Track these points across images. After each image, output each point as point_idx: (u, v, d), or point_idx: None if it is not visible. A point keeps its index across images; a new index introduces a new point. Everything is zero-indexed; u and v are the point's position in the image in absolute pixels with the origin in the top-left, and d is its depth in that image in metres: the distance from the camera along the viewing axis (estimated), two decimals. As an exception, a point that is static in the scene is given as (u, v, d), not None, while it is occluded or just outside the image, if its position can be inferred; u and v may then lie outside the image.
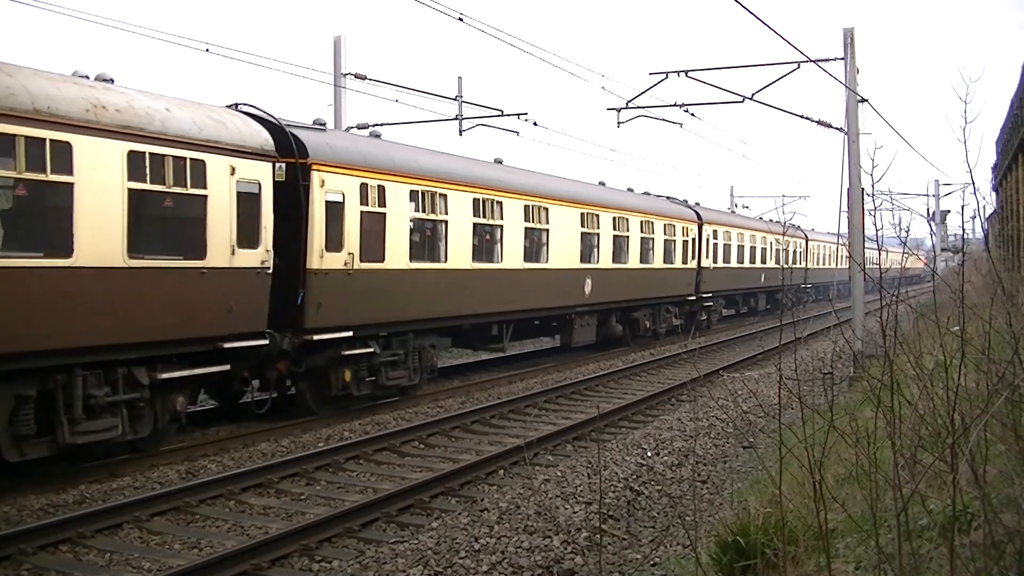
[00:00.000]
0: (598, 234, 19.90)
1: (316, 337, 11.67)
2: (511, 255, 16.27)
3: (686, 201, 27.77)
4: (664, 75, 18.91)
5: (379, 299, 12.84)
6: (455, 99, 21.04)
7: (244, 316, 10.64)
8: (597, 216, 19.84)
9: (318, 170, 11.65)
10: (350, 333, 12.20)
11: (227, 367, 10.52)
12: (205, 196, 10.01)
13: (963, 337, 4.05)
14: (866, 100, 17.09)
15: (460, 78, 21.17)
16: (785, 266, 31.63)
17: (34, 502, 8.33)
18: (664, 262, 23.70)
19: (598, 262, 19.87)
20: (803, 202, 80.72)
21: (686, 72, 18.35)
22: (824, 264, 43.47)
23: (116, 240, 8.98)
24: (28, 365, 8.38)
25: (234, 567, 6.52)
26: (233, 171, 10.37)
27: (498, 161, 17.43)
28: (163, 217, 10.01)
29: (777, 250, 32.67)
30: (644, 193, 25.25)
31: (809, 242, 40.01)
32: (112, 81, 9.78)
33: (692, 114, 20.02)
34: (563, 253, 18.26)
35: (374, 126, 21.01)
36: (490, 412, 13.15)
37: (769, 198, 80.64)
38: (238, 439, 11.11)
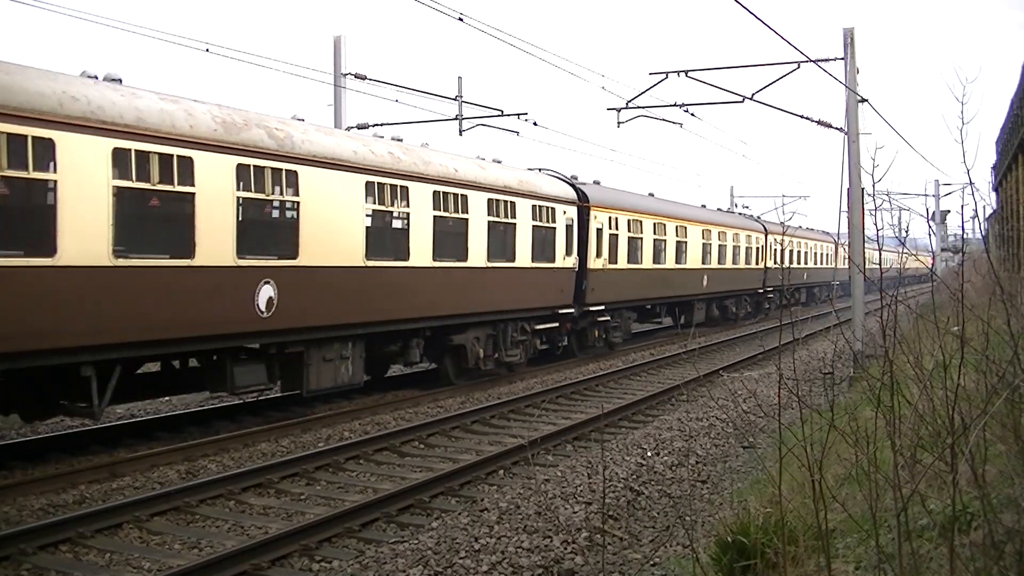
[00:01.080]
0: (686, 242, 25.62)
1: (590, 308, 19.64)
2: (671, 259, 24.37)
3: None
4: (664, 75, 18.92)
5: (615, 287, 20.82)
6: (455, 99, 21.04)
7: (566, 294, 18.52)
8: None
9: (593, 209, 19.71)
10: (603, 307, 20.24)
11: (556, 324, 18.28)
12: (555, 228, 17.96)
13: (963, 337, 4.05)
14: (866, 100, 17.11)
15: (460, 78, 21.18)
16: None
17: (34, 502, 8.33)
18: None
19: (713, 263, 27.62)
20: (803, 202, 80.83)
21: (686, 72, 18.36)
22: (811, 264, 40.14)
23: (514, 252, 16.66)
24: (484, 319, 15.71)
25: (234, 567, 6.52)
26: (565, 212, 18.48)
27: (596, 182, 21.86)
28: (541, 240, 17.47)
29: (726, 247, 28.49)
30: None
31: (770, 236, 32.83)
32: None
33: (692, 114, 20.03)
34: (693, 257, 26.00)
35: (374, 126, 21.04)
36: (490, 412, 13.16)
37: (769, 198, 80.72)
38: (238, 439, 11.11)
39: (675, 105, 19.58)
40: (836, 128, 17.83)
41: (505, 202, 16.19)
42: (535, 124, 21.74)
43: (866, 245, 18.09)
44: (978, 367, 4.61)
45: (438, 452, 11.01)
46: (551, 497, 8.00)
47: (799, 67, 17.09)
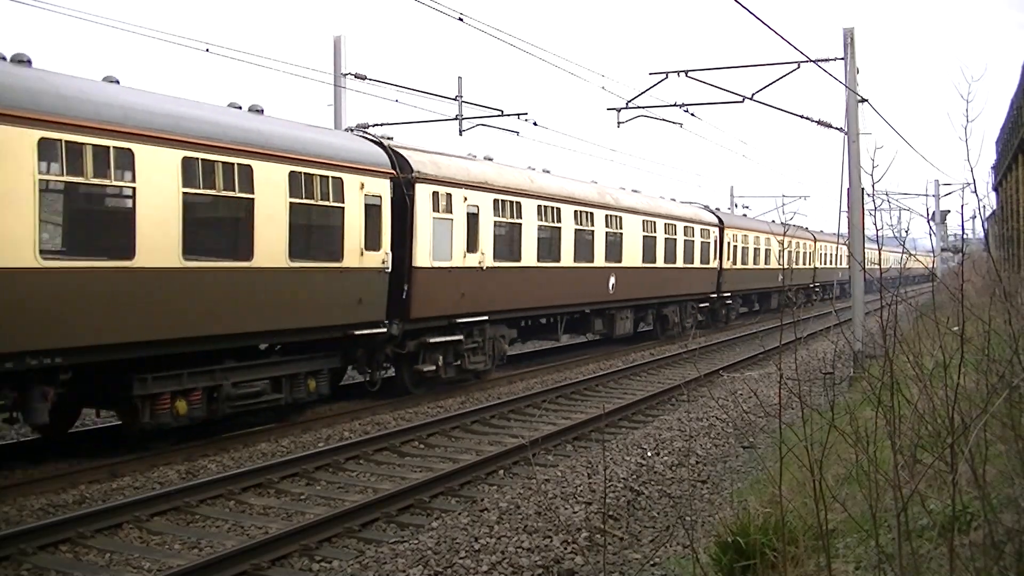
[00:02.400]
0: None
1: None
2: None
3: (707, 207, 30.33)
4: (664, 75, 18.90)
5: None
6: (455, 99, 21.03)
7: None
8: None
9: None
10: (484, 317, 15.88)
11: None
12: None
13: (963, 337, 4.05)
14: (866, 100, 17.09)
15: (460, 78, 21.16)
16: (789, 266, 33.23)
17: (34, 502, 8.33)
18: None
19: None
20: (803, 202, 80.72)
21: (686, 72, 18.35)
22: (830, 264, 44.10)
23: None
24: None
25: (234, 567, 6.51)
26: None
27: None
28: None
29: (789, 252, 34.10)
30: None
31: (817, 243, 41.56)
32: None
33: (692, 114, 20.01)
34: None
35: (374, 126, 21.02)
36: (490, 412, 13.15)
37: (769, 198, 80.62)
38: (238, 439, 11.11)
39: (675, 105, 19.56)
40: (836, 128, 17.82)
41: (650, 222, 23.03)
42: (535, 124, 21.72)
43: (864, 245, 18.07)
44: (978, 367, 4.61)
45: (438, 452, 11.01)
46: (551, 497, 8.00)
47: (799, 67, 17.08)
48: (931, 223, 35.14)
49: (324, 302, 12.09)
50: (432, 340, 14.24)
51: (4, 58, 8.90)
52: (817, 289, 39.87)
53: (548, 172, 19.41)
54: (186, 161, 9.89)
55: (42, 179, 8.47)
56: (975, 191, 4.58)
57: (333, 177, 12.08)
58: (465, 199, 14.95)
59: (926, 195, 46.12)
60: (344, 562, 6.82)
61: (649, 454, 10.08)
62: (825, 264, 42.42)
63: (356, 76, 19.91)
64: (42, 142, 8.40)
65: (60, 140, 8.59)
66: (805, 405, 4.61)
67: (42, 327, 8.50)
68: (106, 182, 9.21)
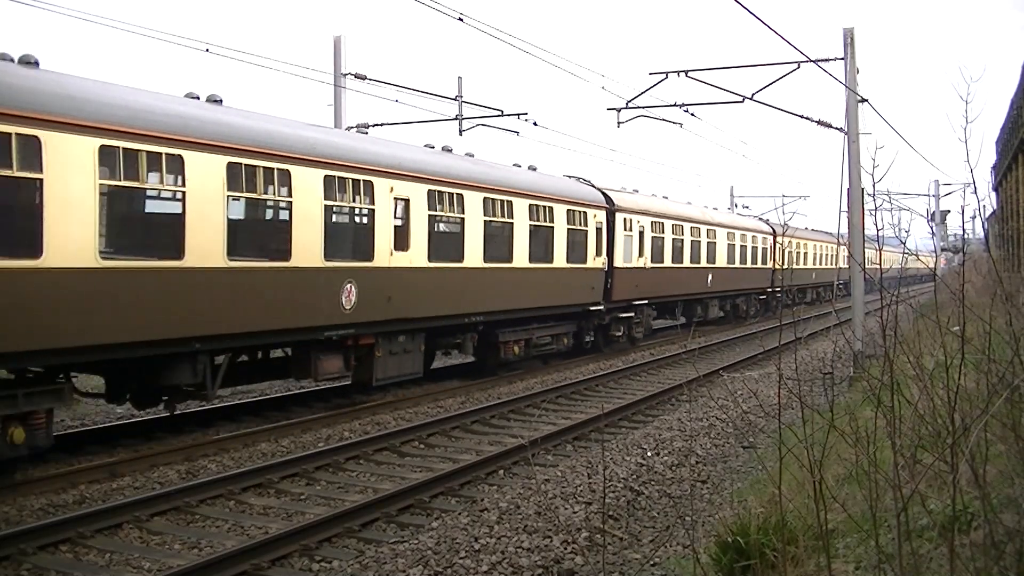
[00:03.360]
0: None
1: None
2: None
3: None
4: (664, 75, 18.91)
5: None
6: (455, 99, 21.04)
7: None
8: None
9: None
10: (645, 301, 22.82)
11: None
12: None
13: (963, 337, 4.05)
14: (866, 100, 17.09)
15: (460, 78, 21.17)
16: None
17: (34, 502, 8.33)
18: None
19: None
20: (803, 202, 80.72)
21: (686, 72, 18.35)
22: (812, 264, 41.53)
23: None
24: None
25: (234, 567, 6.51)
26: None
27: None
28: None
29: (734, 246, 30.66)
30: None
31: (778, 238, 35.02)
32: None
33: (692, 114, 20.01)
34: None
35: (374, 126, 21.04)
36: (490, 412, 13.15)
37: (769, 198, 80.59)
38: (238, 439, 11.11)
39: (675, 105, 19.56)
40: (836, 128, 17.83)
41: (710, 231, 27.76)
42: (535, 124, 21.74)
43: (866, 245, 18.07)
44: (978, 367, 4.61)
45: (438, 452, 11.01)
46: (551, 497, 8.00)
47: (799, 67, 17.08)
48: (931, 223, 35.12)
49: (578, 288, 19.31)
50: (620, 315, 21.47)
51: (12, 59, 9.02)
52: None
53: (689, 203, 27.98)
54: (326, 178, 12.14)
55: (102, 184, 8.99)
56: (975, 191, 4.58)
57: (585, 212, 19.50)
58: (638, 221, 22.23)
59: (926, 195, 46.13)
60: (344, 562, 6.82)
61: (649, 454, 10.08)
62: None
63: (356, 76, 19.91)
64: (102, 149, 8.94)
65: (118, 148, 9.07)
66: (805, 405, 4.61)
67: (648, 292, 19.99)
68: (661, 235, 22.82)
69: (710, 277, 27.36)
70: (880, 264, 5.04)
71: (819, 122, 18.45)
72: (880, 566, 3.90)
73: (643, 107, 20.09)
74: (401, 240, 13.49)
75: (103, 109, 9.06)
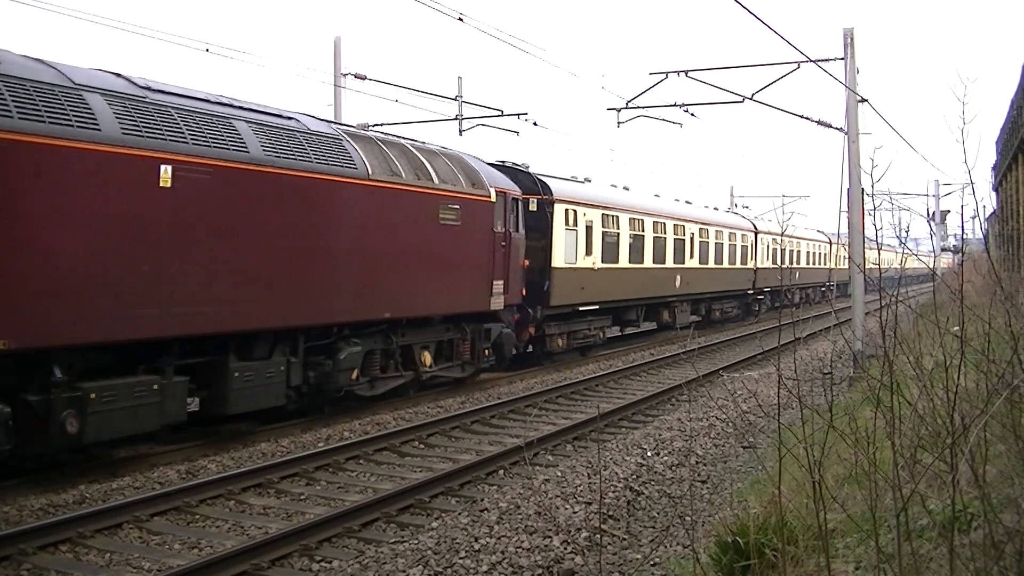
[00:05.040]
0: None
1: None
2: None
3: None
4: (664, 75, 18.91)
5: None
6: (455, 99, 21.06)
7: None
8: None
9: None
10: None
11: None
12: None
13: (963, 337, 4.05)
14: (866, 100, 17.10)
15: (460, 78, 21.21)
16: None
17: (34, 502, 8.32)
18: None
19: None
20: (803, 202, 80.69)
21: (686, 72, 18.35)
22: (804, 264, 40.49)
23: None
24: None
25: (234, 567, 6.51)
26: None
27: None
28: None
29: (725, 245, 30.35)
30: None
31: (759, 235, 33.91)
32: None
33: (692, 114, 20.02)
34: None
35: (374, 126, 21.03)
36: (490, 412, 13.15)
37: (769, 198, 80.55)
38: (238, 439, 11.11)
39: (675, 105, 19.57)
40: (836, 128, 17.83)
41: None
42: (535, 124, 21.75)
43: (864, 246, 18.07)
44: (978, 367, 4.61)
45: (438, 452, 11.01)
46: (551, 497, 8.00)
47: (799, 67, 17.09)
48: (931, 223, 35.14)
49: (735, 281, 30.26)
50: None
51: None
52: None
53: (658, 196, 27.40)
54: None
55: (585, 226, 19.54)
56: (974, 192, 4.58)
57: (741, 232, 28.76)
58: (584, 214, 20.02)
59: (926, 195, 46.12)
60: (344, 562, 6.82)
61: (649, 454, 10.08)
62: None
63: (356, 76, 19.93)
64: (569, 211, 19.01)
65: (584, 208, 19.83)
66: (805, 405, 4.62)
67: (597, 296, 20.43)
68: (615, 230, 21.20)
69: (678, 278, 24.84)
70: (880, 265, 5.04)
71: (819, 122, 18.46)
72: (880, 566, 3.89)
73: (643, 107, 20.11)
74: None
75: (586, 196, 20.24)
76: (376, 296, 12.41)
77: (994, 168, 23.71)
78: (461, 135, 21.50)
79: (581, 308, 19.49)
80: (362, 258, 12.07)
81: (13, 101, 7.83)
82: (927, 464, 4.18)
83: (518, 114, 21.34)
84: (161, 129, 9.15)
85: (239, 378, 10.36)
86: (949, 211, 47.72)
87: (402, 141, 14.02)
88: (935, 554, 4.04)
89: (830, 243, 42.70)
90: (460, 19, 13.69)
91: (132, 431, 9.22)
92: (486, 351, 15.74)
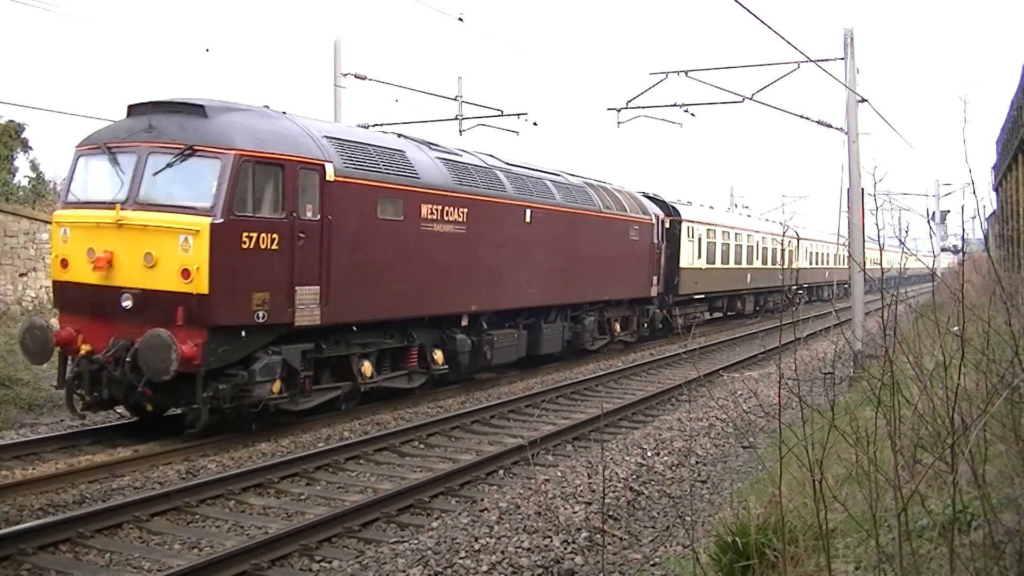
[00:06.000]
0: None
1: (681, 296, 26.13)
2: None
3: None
4: (664, 75, 18.91)
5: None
6: (455, 99, 21.07)
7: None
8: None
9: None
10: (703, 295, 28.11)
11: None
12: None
13: (963, 337, 4.05)
14: (866, 100, 17.09)
15: (460, 78, 21.21)
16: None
17: (34, 502, 8.32)
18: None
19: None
20: (803, 202, 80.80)
21: (686, 72, 18.36)
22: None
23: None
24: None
25: (234, 567, 6.51)
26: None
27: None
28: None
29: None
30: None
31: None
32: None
33: (692, 114, 20.01)
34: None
35: (374, 126, 21.03)
36: (490, 412, 13.15)
37: (769, 198, 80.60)
38: (238, 439, 11.10)
39: (675, 105, 19.57)
40: (836, 128, 17.83)
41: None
42: (535, 124, 21.77)
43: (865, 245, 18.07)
44: (978, 367, 4.61)
45: (438, 452, 11.00)
46: (551, 497, 8.00)
47: (799, 67, 17.09)
48: (931, 223, 35.15)
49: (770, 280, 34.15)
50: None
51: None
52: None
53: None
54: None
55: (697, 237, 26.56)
56: (975, 191, 4.58)
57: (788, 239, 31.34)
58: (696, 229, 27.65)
59: (926, 195, 46.14)
60: (344, 562, 6.82)
61: (649, 454, 10.08)
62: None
63: (356, 76, 19.93)
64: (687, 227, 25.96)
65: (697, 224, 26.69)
66: (805, 405, 4.62)
67: (703, 288, 26.80)
68: (714, 240, 27.50)
69: (749, 276, 32.04)
70: (881, 265, 5.04)
71: (819, 122, 18.45)
72: (880, 566, 3.89)
73: (643, 107, 20.11)
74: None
75: (699, 216, 27.24)
76: (598, 285, 19.32)
77: (994, 168, 23.71)
78: (461, 135, 21.50)
79: (694, 297, 26.41)
80: (594, 261, 18.86)
81: (470, 179, 14.83)
82: (927, 464, 4.19)
83: (518, 114, 21.34)
84: (528, 190, 16.56)
85: (547, 332, 17.52)
86: (949, 211, 47.76)
87: (607, 184, 20.97)
88: (935, 554, 4.04)
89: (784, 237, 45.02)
90: (460, 19, 13.68)
91: (508, 359, 16.29)
92: (644, 324, 22.80)
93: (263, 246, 10.42)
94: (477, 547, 6.77)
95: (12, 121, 17.49)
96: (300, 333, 11.22)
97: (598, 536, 6.95)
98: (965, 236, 5.52)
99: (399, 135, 15.24)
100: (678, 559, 6.34)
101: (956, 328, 4.28)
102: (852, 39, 16.59)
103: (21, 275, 15.68)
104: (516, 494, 8.20)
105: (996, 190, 22.94)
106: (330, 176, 11.32)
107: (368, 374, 12.75)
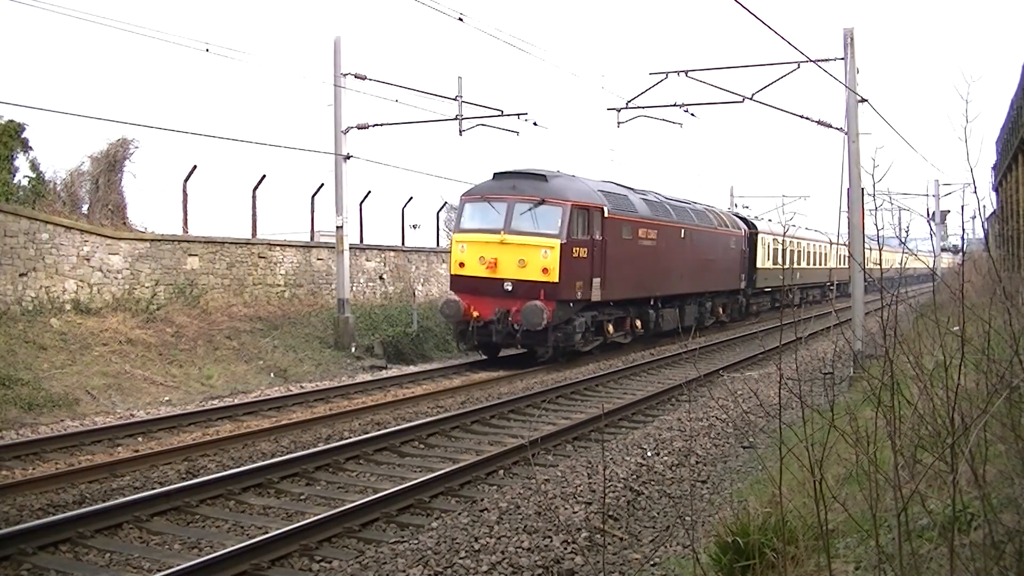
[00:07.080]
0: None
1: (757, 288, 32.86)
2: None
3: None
4: (664, 75, 18.91)
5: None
6: (455, 99, 21.04)
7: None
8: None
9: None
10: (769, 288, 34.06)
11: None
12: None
13: (963, 337, 4.05)
14: (866, 100, 17.09)
15: (460, 78, 21.17)
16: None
17: (34, 502, 8.33)
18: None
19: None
20: (803, 202, 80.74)
21: (686, 72, 18.35)
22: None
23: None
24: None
25: (234, 567, 6.51)
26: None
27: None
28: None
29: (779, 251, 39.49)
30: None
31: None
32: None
33: (692, 114, 20.00)
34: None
35: (374, 126, 21.02)
36: (490, 412, 13.15)
37: (769, 198, 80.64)
38: (238, 439, 11.12)
39: (675, 105, 19.57)
40: (836, 128, 17.82)
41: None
42: (535, 124, 21.74)
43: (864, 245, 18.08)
44: (978, 367, 4.60)
45: (438, 452, 11.01)
46: (551, 497, 8.00)
47: (799, 67, 17.09)
48: (931, 223, 35.18)
49: (821, 276, 41.58)
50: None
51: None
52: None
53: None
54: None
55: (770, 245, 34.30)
56: (975, 191, 4.57)
57: (824, 244, 41.34)
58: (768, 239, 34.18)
59: (926, 195, 46.15)
60: (344, 562, 6.82)
61: (649, 454, 10.08)
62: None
63: (356, 76, 19.92)
64: (760, 237, 33.34)
65: (767, 235, 34.16)
66: (805, 405, 4.61)
67: (768, 283, 33.65)
68: (776, 246, 34.46)
69: (797, 274, 37.71)
70: (881, 265, 5.04)
71: (819, 122, 18.45)
72: (880, 566, 3.89)
73: (643, 107, 20.11)
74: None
75: (767, 229, 34.12)
76: (714, 280, 27.10)
77: (994, 168, 23.71)
78: (461, 135, 21.48)
79: (764, 289, 33.35)
80: (712, 264, 26.46)
81: (656, 210, 22.85)
82: (927, 464, 4.18)
83: (518, 114, 21.32)
84: (681, 215, 24.35)
85: (688, 311, 24.91)
86: (949, 211, 47.77)
87: (716, 208, 30.07)
88: (935, 554, 4.04)
89: (869, 249, 45.54)
90: (460, 19, 13.69)
91: (670, 327, 22.93)
92: (736, 308, 30.22)
93: (581, 256, 18.22)
94: (477, 547, 6.77)
95: (12, 121, 17.48)
96: (590, 306, 18.98)
97: (598, 536, 6.95)
98: (965, 236, 5.52)
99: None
100: (678, 559, 6.34)
101: (956, 328, 4.28)
102: (852, 39, 16.60)
103: (21, 275, 15.65)
104: (516, 494, 8.21)
105: (996, 190, 22.94)
106: (606, 214, 19.21)
107: (610, 332, 20.51)
